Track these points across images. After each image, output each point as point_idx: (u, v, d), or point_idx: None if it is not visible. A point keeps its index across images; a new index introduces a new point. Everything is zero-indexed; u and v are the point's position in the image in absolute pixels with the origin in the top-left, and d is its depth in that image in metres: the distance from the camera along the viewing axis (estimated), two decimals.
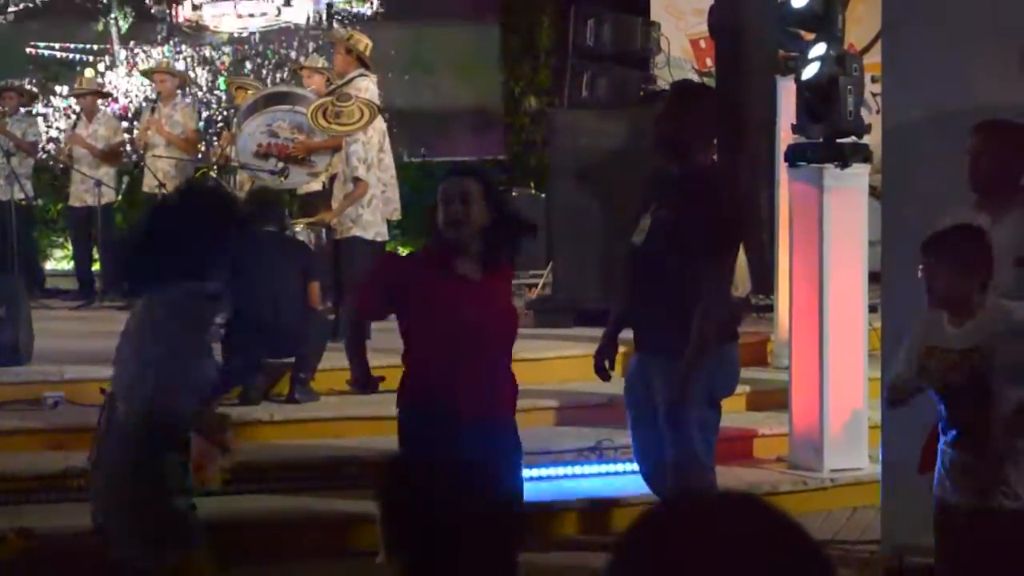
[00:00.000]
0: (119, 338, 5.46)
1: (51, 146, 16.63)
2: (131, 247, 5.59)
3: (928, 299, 5.65)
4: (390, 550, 2.91)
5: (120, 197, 15.00)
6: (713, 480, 6.87)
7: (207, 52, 18.34)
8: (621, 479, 8.80)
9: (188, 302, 5.27)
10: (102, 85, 16.56)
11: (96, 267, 15.03)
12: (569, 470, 8.91)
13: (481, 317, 6.01)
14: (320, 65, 13.14)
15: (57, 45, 18.08)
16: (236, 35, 18.38)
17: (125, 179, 15.05)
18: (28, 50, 17.93)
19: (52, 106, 17.33)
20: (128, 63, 18.21)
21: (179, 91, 14.89)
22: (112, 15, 18.28)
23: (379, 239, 11.42)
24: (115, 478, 5.37)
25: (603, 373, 7.19)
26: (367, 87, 11.55)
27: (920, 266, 5.60)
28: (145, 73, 16.96)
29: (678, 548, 1.65)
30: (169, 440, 5.27)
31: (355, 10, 18.20)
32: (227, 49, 18.39)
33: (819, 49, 8.52)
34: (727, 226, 6.82)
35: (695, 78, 14.40)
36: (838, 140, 8.65)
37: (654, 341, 6.88)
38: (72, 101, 17.16)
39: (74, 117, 15.62)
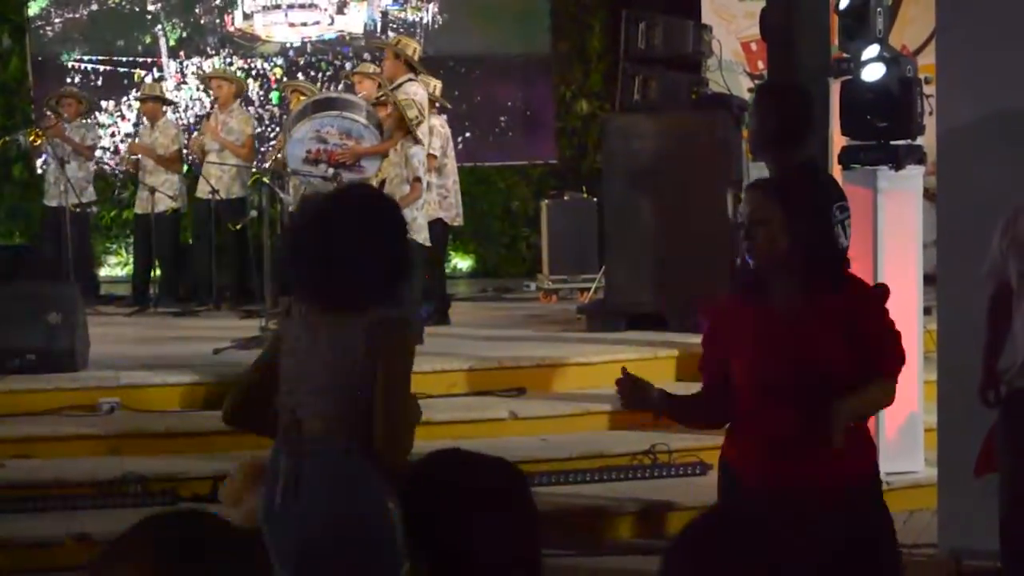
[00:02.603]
0: (291, 358, 4.88)
1: (105, 155, 16.70)
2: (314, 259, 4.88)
3: None
4: None
5: (181, 205, 15.07)
6: None
7: (258, 63, 18.35)
8: (675, 483, 8.78)
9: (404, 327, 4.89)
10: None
11: (156, 274, 15.09)
12: (623, 474, 8.88)
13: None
14: (371, 71, 13.18)
15: (95, 58, 18.05)
16: (288, 45, 18.38)
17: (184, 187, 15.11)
18: (71, 64, 17.92)
19: (98, 122, 17.25)
20: (177, 76, 18.26)
21: (236, 98, 14.94)
22: (161, 26, 18.32)
23: (426, 244, 11.46)
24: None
25: None
26: (416, 91, 11.57)
27: None
28: (202, 79, 17.00)
29: (727, 554, 1.65)
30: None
31: (411, 17, 18.22)
32: (279, 60, 18.37)
33: (872, 51, 8.49)
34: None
35: (747, 81, 14.39)
36: (892, 142, 8.60)
37: None
38: (118, 117, 17.31)
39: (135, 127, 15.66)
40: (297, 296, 4.98)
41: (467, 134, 17.89)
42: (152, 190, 14.26)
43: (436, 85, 12.75)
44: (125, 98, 17.62)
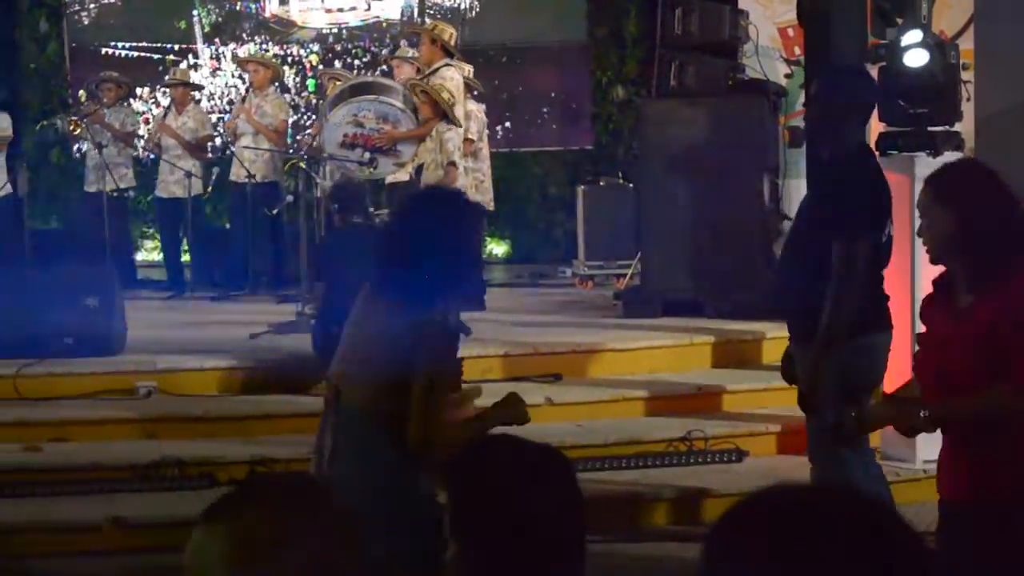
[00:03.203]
0: (353, 328, 5.17)
1: (140, 143, 16.74)
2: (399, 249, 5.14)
3: None
4: None
5: (210, 189, 15.12)
6: (850, 475, 6.58)
7: (294, 50, 18.36)
8: (711, 470, 8.77)
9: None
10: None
11: (186, 258, 15.16)
12: (659, 460, 8.87)
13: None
14: (409, 55, 13.19)
15: (130, 44, 18.09)
16: (324, 31, 18.40)
17: (215, 171, 15.13)
18: (106, 50, 17.95)
19: (132, 109, 17.24)
20: (212, 62, 18.29)
21: (272, 83, 14.97)
22: (196, 12, 18.35)
23: None
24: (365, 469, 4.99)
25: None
26: (452, 76, 11.58)
27: None
28: (238, 62, 17.03)
29: (769, 540, 1.64)
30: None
31: (448, 4, 18.21)
32: (315, 47, 18.37)
33: (915, 36, 8.44)
34: (859, 209, 6.57)
35: (783, 67, 14.33)
36: (930, 128, 8.56)
37: (794, 329, 6.78)
38: (152, 103, 17.38)
39: (163, 108, 15.70)
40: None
41: (507, 124, 17.90)
42: (188, 174, 14.29)
43: (468, 69, 12.75)
44: (159, 85, 17.63)
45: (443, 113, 11.26)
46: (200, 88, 16.83)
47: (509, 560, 2.80)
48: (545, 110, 18.36)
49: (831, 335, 6.38)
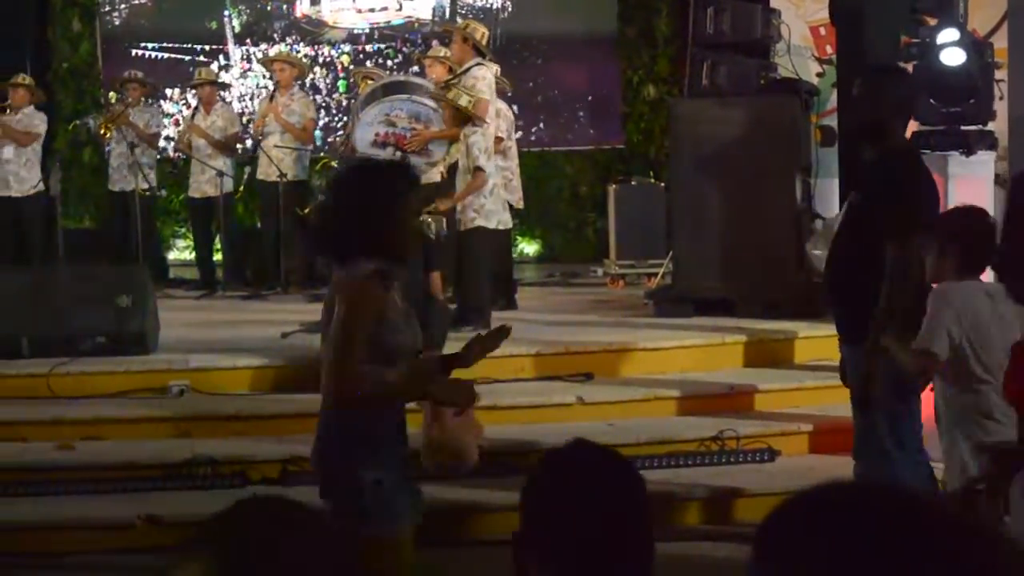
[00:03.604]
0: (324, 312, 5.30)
1: (168, 144, 16.78)
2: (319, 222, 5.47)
3: None
4: None
5: (241, 188, 15.16)
6: (898, 473, 6.56)
7: (325, 50, 18.38)
8: (743, 470, 8.76)
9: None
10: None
11: (218, 257, 15.20)
12: (690, 460, 8.86)
13: None
14: (442, 54, 13.20)
15: (160, 45, 18.13)
16: (356, 31, 18.41)
17: (247, 170, 15.18)
18: (135, 51, 17.97)
19: (162, 110, 17.23)
20: (243, 63, 18.31)
21: (296, 82, 15.02)
22: (227, 12, 18.38)
23: (501, 227, 11.52)
24: (321, 441, 5.18)
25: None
26: (484, 75, 11.57)
27: None
28: (263, 62, 17.08)
29: (818, 541, 1.63)
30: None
31: (480, 3, 18.22)
32: (346, 47, 18.39)
33: (951, 35, 8.41)
34: (912, 209, 6.54)
35: (815, 66, 14.30)
36: (963, 127, 8.54)
37: (845, 329, 6.76)
38: (183, 105, 17.43)
39: (191, 109, 15.74)
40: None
41: (540, 124, 17.92)
42: (220, 173, 14.34)
43: (496, 68, 12.74)
44: (187, 86, 17.66)
45: (466, 118, 11.24)
46: (227, 87, 16.87)
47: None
48: (581, 114, 18.35)
49: (884, 334, 6.36)
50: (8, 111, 14.68)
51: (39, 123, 14.69)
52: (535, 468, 2.88)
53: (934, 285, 6.01)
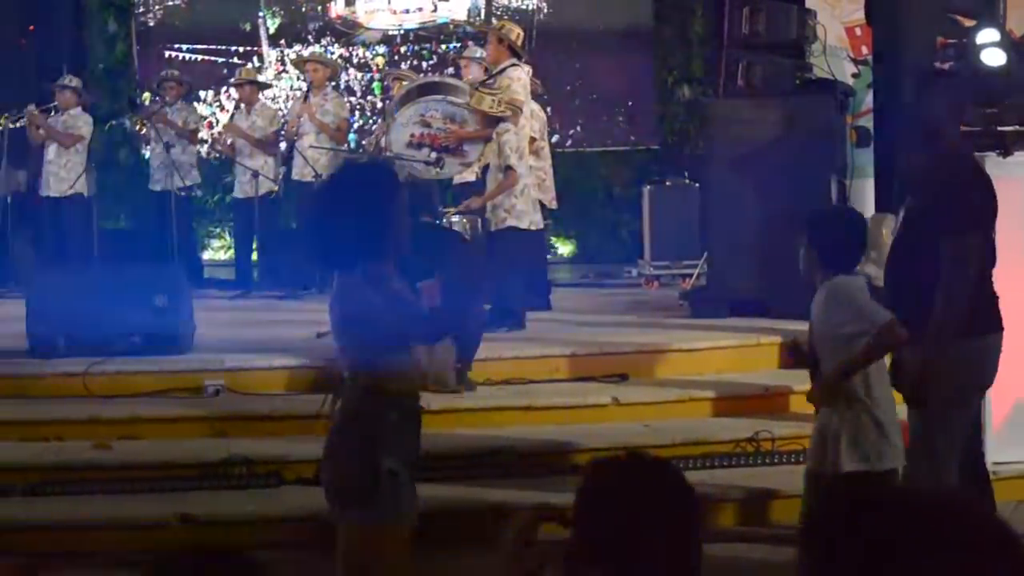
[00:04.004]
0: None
1: (204, 147, 16.81)
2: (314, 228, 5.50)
3: None
4: None
5: (280, 187, 15.20)
6: (948, 475, 6.47)
7: (359, 51, 18.38)
8: (779, 471, 8.72)
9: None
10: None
11: (255, 257, 15.23)
12: (726, 461, 8.83)
13: None
14: (477, 55, 13.21)
15: (194, 47, 18.14)
16: (390, 33, 18.41)
17: (282, 170, 15.23)
18: (169, 53, 18.00)
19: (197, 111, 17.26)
20: (277, 65, 18.34)
21: (329, 82, 15.04)
22: (261, 13, 18.41)
23: (534, 227, 11.50)
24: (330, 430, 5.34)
25: None
26: (519, 77, 11.57)
27: None
28: (296, 63, 17.10)
29: (858, 542, 1.63)
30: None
31: (515, 4, 18.21)
32: (380, 48, 18.39)
33: (991, 35, 8.37)
34: (968, 209, 6.55)
35: (851, 67, 14.25)
36: (1000, 127, 8.49)
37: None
38: (217, 106, 17.47)
39: (231, 111, 15.79)
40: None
41: (578, 127, 17.93)
42: (256, 173, 14.38)
43: (528, 70, 12.74)
44: (225, 87, 17.70)
45: (498, 118, 11.23)
46: (268, 87, 16.90)
47: None
48: (608, 108, 18.33)
49: (942, 334, 6.34)
50: (54, 112, 14.76)
51: (83, 125, 14.77)
52: (588, 480, 2.89)
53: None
